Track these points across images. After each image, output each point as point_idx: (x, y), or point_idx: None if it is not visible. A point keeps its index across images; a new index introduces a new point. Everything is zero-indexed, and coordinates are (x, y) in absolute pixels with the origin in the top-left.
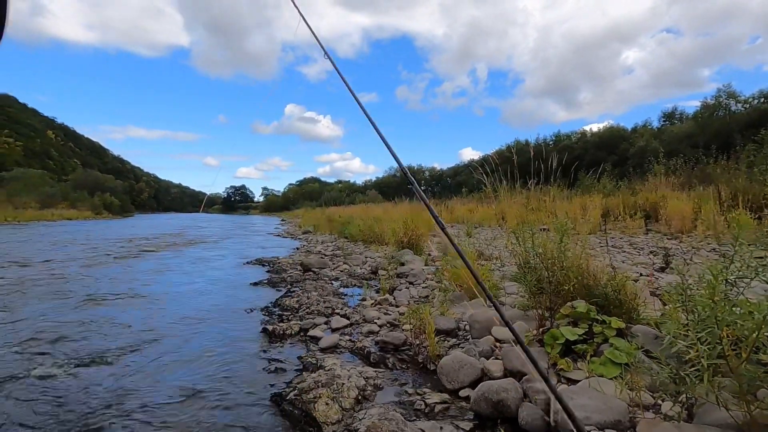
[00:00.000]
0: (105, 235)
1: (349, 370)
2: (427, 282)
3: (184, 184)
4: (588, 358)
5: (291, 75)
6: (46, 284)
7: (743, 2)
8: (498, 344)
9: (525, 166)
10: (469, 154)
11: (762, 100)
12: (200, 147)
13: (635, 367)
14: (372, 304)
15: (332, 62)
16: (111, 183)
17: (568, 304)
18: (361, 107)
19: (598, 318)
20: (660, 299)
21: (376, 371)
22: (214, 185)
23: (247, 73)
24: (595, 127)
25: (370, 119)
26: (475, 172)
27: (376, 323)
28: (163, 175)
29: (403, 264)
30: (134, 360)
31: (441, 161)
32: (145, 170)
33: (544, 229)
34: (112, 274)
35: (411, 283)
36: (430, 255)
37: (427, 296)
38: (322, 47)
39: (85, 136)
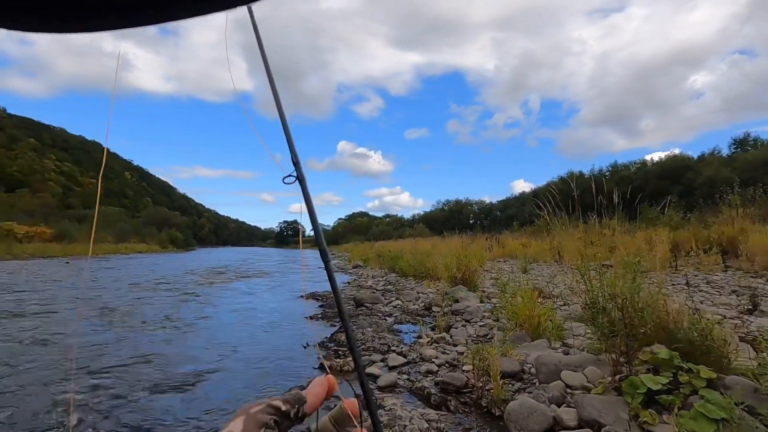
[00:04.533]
0: (170, 269)
1: (410, 412)
2: (485, 320)
3: (240, 219)
4: (675, 410)
5: (344, 113)
6: (127, 313)
7: None
8: (569, 390)
9: (581, 198)
10: (521, 186)
11: None
12: (257, 184)
13: (736, 424)
14: (428, 342)
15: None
16: (177, 219)
17: (647, 349)
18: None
19: (684, 366)
20: (752, 346)
21: (438, 414)
22: (268, 221)
23: (303, 114)
24: (656, 156)
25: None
26: (526, 205)
27: (434, 362)
28: (222, 211)
29: (457, 301)
30: (199, 392)
31: (491, 194)
32: (207, 207)
33: (607, 266)
34: (174, 305)
35: (467, 320)
36: (485, 291)
37: (485, 335)
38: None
39: (156, 176)
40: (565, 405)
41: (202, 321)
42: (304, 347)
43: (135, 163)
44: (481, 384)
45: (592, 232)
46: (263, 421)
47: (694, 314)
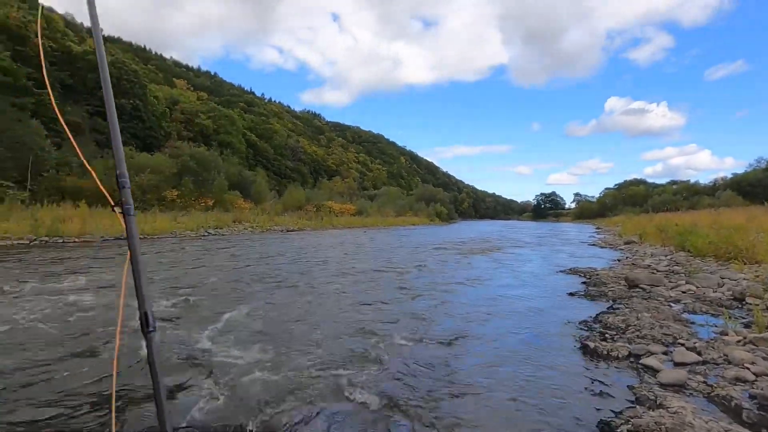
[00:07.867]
0: (442, 238)
1: (707, 422)
2: None
3: (497, 193)
4: None
5: (614, 65)
6: (397, 275)
7: None
8: None
9: None
10: None
11: None
12: (513, 157)
13: None
14: (739, 341)
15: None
16: (441, 195)
17: None
18: None
19: None
20: None
21: None
22: (523, 194)
23: (562, 76)
24: None
25: None
26: None
27: (748, 369)
28: (479, 186)
29: None
30: (462, 347)
31: None
32: (466, 183)
33: None
34: (447, 270)
35: None
36: None
37: None
38: None
39: (423, 157)
40: None
41: (472, 282)
42: (564, 323)
43: (407, 148)
44: None
45: None
46: None
47: None
